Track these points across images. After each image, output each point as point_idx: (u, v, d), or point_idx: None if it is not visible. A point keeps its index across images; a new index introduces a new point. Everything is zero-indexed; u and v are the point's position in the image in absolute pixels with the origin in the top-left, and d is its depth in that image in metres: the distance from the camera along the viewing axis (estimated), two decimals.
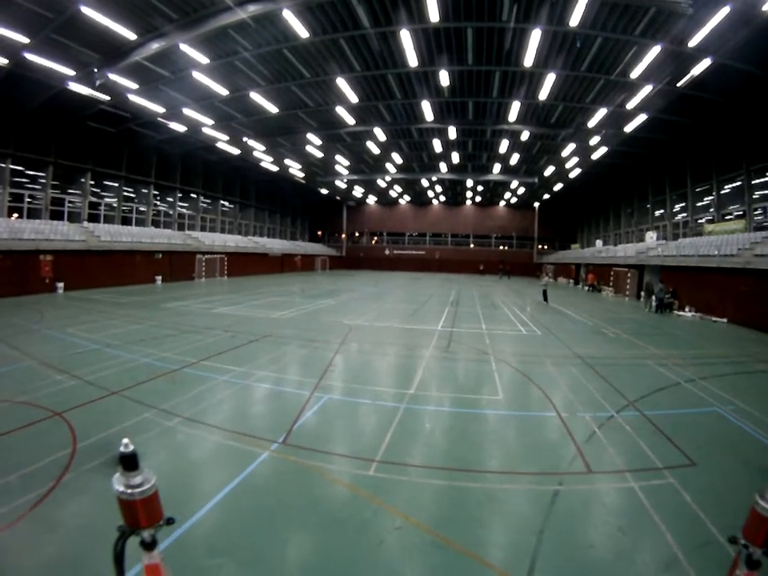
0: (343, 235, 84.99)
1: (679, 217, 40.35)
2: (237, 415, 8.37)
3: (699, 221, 36.87)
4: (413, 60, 23.90)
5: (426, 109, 31.75)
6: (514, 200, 73.89)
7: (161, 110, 31.50)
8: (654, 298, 27.78)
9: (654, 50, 21.27)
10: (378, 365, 12.81)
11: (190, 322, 18.20)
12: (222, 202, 55.38)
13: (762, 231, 27.06)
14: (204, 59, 24.19)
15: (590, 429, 8.03)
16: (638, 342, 16.96)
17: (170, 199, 46.97)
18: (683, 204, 39.84)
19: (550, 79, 25.41)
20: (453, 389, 10.51)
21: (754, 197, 29.97)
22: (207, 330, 16.44)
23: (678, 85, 24.44)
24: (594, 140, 35.70)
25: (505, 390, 10.43)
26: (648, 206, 46.54)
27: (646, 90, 25.56)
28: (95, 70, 24.58)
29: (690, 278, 27.81)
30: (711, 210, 34.94)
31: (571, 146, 38.52)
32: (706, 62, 21.63)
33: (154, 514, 2.06)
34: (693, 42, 20.17)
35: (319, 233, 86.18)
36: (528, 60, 23.16)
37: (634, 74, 23.73)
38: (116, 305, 23.23)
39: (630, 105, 27.88)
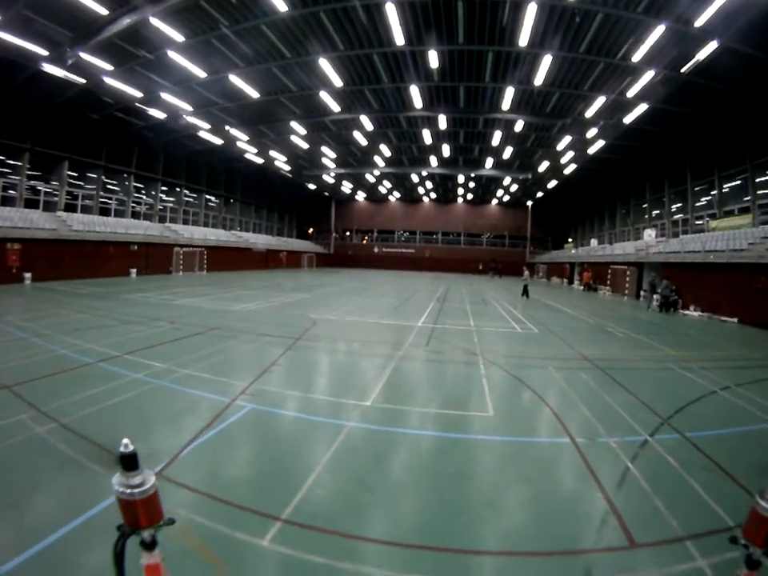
0: (333, 234, 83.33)
1: (678, 215, 39.11)
2: (123, 426, 6.34)
3: (699, 218, 35.65)
4: (399, 38, 22.34)
5: (415, 94, 30.07)
6: (506, 198, 72.71)
7: (138, 94, 30.07)
8: (657, 296, 26.23)
9: (658, 30, 19.85)
10: (332, 366, 10.86)
11: (141, 312, 16.53)
12: (206, 195, 53.80)
13: None
14: (179, 36, 22.86)
15: (620, 464, 5.72)
16: (651, 342, 15.15)
17: (153, 192, 45.36)
18: (680, 204, 38.75)
19: (547, 61, 23.82)
20: (424, 401, 8.14)
21: (759, 192, 28.58)
22: (153, 321, 14.75)
23: (682, 71, 23.14)
24: (591, 132, 34.33)
25: (497, 403, 8.07)
26: (644, 204, 45.46)
27: (648, 75, 24.09)
28: (68, 50, 23.40)
29: (693, 275, 26.31)
30: (712, 207, 33.61)
31: (567, 139, 37.15)
32: (712, 45, 20.34)
33: (154, 513, 1.98)
34: (699, 22, 18.86)
35: (310, 230, 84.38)
36: (523, 39, 21.60)
37: (636, 57, 22.32)
38: (76, 295, 21.70)
39: (631, 93, 26.41)
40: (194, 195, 52.17)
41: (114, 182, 40.68)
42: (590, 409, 7.87)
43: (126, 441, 1.92)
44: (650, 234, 39.40)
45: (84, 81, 27.20)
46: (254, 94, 30.64)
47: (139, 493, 1.90)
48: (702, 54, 21.07)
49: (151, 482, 1.95)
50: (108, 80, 27.49)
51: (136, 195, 43.31)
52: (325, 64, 25.77)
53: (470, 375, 10.00)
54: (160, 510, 2.01)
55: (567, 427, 6.96)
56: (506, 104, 30.51)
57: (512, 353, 12.56)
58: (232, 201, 59.66)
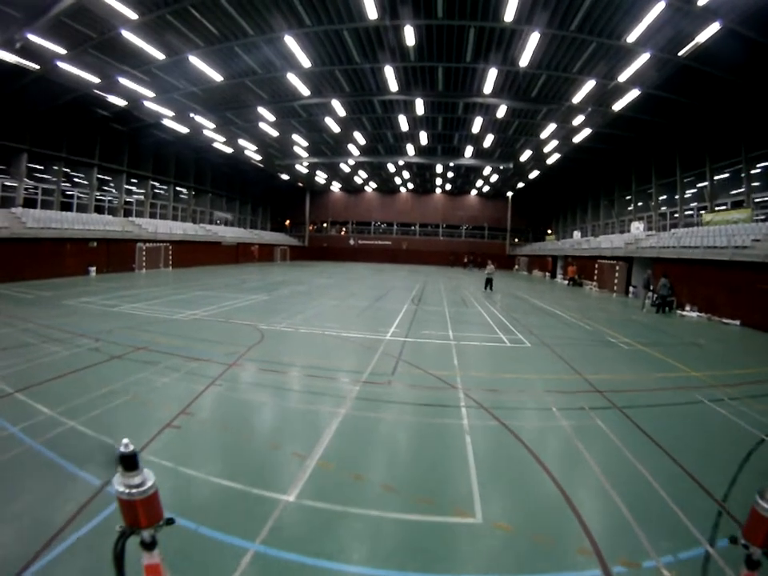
0: (310, 226, 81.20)
1: (664, 207, 37.91)
2: None
3: (687, 211, 34.47)
4: (372, 11, 20.24)
5: (390, 76, 27.87)
6: (486, 188, 71.02)
7: (95, 80, 27.60)
8: (652, 295, 24.56)
9: (658, 7, 18.07)
10: (257, 419, 7.69)
11: (72, 324, 14.03)
12: (175, 187, 51.27)
13: None
14: (131, 14, 20.68)
15: None
16: (663, 356, 12.91)
17: (120, 184, 42.83)
18: (665, 196, 37.78)
19: (534, 40, 21.85)
20: (378, 494, 5.18)
21: (753, 185, 27.44)
22: (78, 337, 12.27)
23: (680, 54, 21.46)
24: (578, 119, 32.64)
25: (487, 493, 5.25)
26: (629, 196, 44.16)
27: (643, 58, 22.38)
28: (16, 32, 21.39)
29: (689, 272, 24.66)
30: (702, 199, 32.40)
31: (551, 127, 35.42)
32: (713, 27, 18.71)
33: (153, 514, 2.00)
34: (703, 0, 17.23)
35: (287, 222, 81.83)
36: (509, 13, 19.69)
37: (631, 37, 20.54)
38: (17, 301, 19.09)
39: (623, 77, 24.71)
40: (164, 188, 49.61)
41: (81, 176, 38.35)
42: (621, 493, 5.31)
43: (125, 440, 1.82)
44: (637, 226, 38.06)
45: (37, 66, 24.96)
46: (217, 77, 28.29)
47: (139, 493, 1.88)
48: (703, 37, 19.45)
49: (151, 482, 1.91)
50: (62, 65, 25.11)
51: (104, 188, 40.98)
52: (291, 42, 23.52)
53: (448, 432, 7.09)
54: (160, 510, 1.99)
55: (596, 541, 4.34)
56: (488, 87, 28.47)
57: (503, 384, 9.85)
58: (202, 193, 57.09)
